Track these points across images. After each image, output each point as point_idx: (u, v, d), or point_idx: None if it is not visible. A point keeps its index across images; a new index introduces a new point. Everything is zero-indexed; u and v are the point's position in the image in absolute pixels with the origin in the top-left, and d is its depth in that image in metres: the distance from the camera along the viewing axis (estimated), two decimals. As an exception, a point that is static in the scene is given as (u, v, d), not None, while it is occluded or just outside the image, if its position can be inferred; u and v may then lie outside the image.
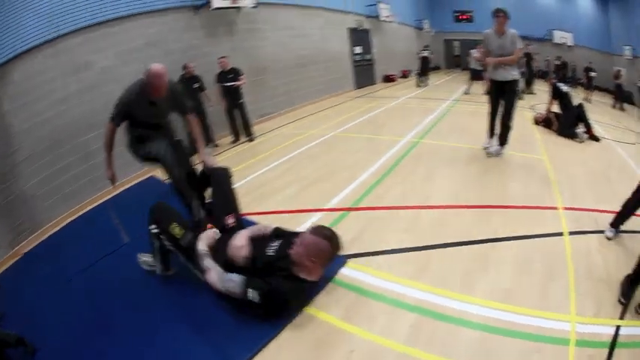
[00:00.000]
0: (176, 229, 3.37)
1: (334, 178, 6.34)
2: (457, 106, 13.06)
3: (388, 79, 19.57)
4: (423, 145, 8.18)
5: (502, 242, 4.44)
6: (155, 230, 3.43)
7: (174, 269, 3.76)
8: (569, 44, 25.21)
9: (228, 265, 3.25)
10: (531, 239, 4.51)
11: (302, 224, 4.72)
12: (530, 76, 16.29)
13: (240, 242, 3.34)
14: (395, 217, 4.95)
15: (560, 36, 25.00)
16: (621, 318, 3.35)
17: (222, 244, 3.40)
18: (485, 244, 4.32)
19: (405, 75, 21.66)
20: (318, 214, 5.03)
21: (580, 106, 9.52)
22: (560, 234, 4.64)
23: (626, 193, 6.04)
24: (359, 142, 8.43)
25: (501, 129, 7.16)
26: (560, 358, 2.93)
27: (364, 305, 3.38)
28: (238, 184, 5.24)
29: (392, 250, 4.20)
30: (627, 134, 11.19)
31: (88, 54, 6.98)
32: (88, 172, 6.67)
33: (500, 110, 7.06)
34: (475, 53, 15.96)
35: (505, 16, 6.64)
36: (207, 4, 9.11)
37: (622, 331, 3.19)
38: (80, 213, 6.43)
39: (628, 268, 3.68)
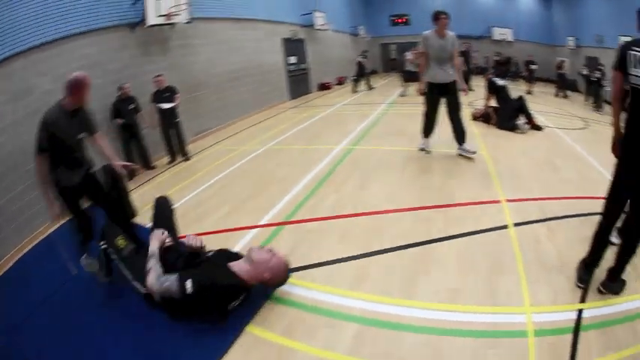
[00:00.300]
0: (120, 241, 3.80)
1: (267, 193, 6.31)
2: (393, 109, 13.42)
3: (324, 87, 19.85)
4: (357, 151, 8.27)
5: (443, 242, 4.45)
6: (104, 246, 3.81)
7: (112, 277, 3.99)
8: (508, 40, 26.62)
9: (174, 261, 3.59)
10: (474, 235, 4.55)
11: (238, 243, 4.73)
12: (468, 73, 16.95)
13: (194, 240, 3.86)
14: (329, 228, 4.96)
15: (499, 32, 26.67)
16: (582, 301, 3.40)
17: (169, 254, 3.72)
18: (425, 246, 4.36)
19: (340, 82, 22.03)
20: (253, 231, 5.04)
21: (520, 98, 9.92)
22: (505, 227, 4.70)
23: (574, 177, 6.45)
24: (292, 154, 8.45)
25: (456, 129, 7.33)
26: (518, 350, 2.92)
27: (305, 320, 3.37)
28: (176, 206, 5.20)
29: (328, 261, 4.19)
30: (572, 120, 11.78)
31: (31, 78, 6.82)
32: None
33: (444, 111, 7.26)
34: (409, 55, 16.53)
35: (448, 18, 6.93)
36: (143, 21, 9.11)
37: (585, 314, 3.20)
38: (35, 243, 6.22)
39: (581, 253, 3.74)
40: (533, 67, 19.53)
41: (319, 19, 18.94)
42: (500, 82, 10.21)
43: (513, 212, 5.06)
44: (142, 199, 6.28)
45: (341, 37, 23.31)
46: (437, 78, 6.99)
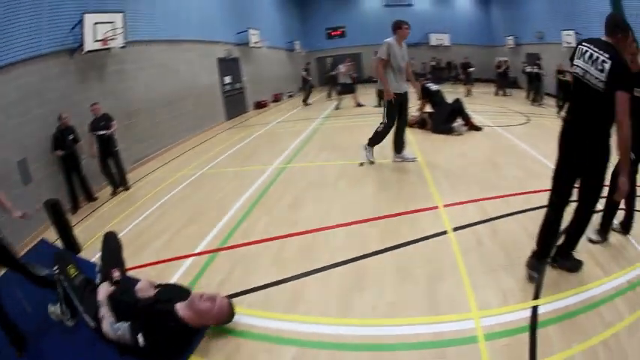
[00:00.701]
0: (71, 270, 3.88)
1: (203, 219, 6.17)
2: (327, 123, 13.51)
3: (260, 105, 19.74)
4: (290, 169, 8.20)
5: (379, 255, 4.39)
6: (56, 271, 3.85)
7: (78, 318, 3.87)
8: (445, 44, 27.59)
9: (124, 309, 3.51)
10: (412, 245, 4.52)
11: (177, 273, 4.67)
12: None
13: (144, 285, 3.88)
14: (263, 251, 4.89)
15: (436, 38, 27.66)
16: (536, 298, 3.41)
17: (119, 294, 3.74)
18: (361, 261, 4.31)
19: (277, 99, 22.01)
20: (190, 260, 4.95)
21: (457, 101, 10.17)
22: (444, 232, 4.70)
23: (516, 173, 6.61)
24: (227, 177, 8.40)
25: (402, 138, 7.45)
26: (470, 357, 2.87)
27: (244, 347, 3.33)
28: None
29: (263, 285, 4.12)
30: (514, 117, 12.15)
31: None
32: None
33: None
34: (342, 68, 16.68)
35: (409, 28, 7.06)
36: (81, 47, 8.84)
37: (541, 310, 3.23)
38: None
39: (529, 249, 3.77)
40: (470, 69, 20.16)
41: (254, 36, 18.85)
42: (433, 87, 10.47)
43: (452, 217, 5.06)
44: (86, 232, 6.15)
45: (276, 54, 23.35)
46: (401, 88, 7.08)
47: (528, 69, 17.35)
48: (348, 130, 10.20)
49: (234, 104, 17.52)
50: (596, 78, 3.07)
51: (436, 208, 5.39)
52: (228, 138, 12.84)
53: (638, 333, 3.05)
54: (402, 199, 5.87)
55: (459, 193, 5.76)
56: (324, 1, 29.20)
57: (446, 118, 9.56)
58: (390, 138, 7.54)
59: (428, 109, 10.16)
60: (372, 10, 28.59)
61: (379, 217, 5.30)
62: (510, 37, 24.41)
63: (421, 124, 10.14)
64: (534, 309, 3.27)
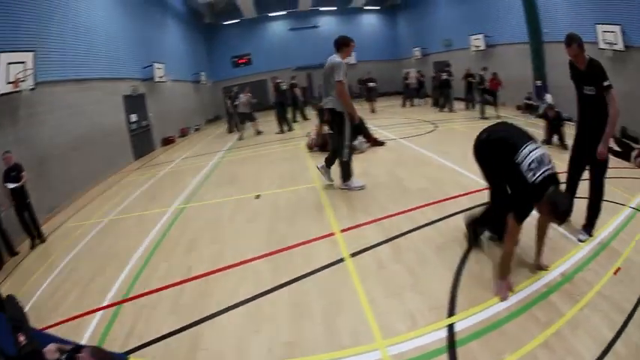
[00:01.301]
0: None
1: (109, 270, 5.77)
2: (228, 156, 13.12)
3: (167, 141, 19.00)
4: (189, 210, 7.86)
5: (274, 292, 4.19)
6: None
7: None
8: (352, 62, 27.58)
9: None
10: (307, 278, 4.35)
11: (87, 329, 4.36)
12: (297, 104, 18.13)
13: (50, 348, 3.40)
14: (162, 299, 4.66)
15: None
16: (451, 315, 3.32)
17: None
18: (255, 301, 4.14)
19: (184, 133, 21.36)
20: (99, 314, 4.66)
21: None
22: (341, 260, 4.54)
23: (421, 184, 6.62)
24: (132, 223, 7.98)
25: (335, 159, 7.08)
26: None
27: None
28: (36, 297, 5.16)
29: (163, 335, 3.91)
30: (421, 126, 12.44)
31: None
32: None
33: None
34: (242, 98, 16.42)
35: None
36: None
37: (458, 327, 3.16)
38: None
39: (437, 264, 3.84)
40: (371, 84, 20.45)
41: (159, 70, 18.26)
42: None
43: (350, 242, 4.92)
44: (11, 290, 5.42)
45: (182, 87, 22.78)
46: (340, 107, 6.61)
47: (445, 76, 17.81)
48: (248, 161, 10.04)
49: (142, 143, 16.79)
50: None
51: (332, 234, 5.23)
52: (135, 179, 12.32)
53: (584, 323, 3.12)
54: (298, 229, 5.68)
55: (358, 215, 5.65)
56: (230, 29, 28.97)
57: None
58: (284, 170, 7.42)
59: (326, 130, 10.05)
60: (278, 35, 28.84)
61: (273, 252, 5.09)
62: (417, 49, 25.57)
63: (321, 146, 10.02)
64: (450, 327, 3.18)
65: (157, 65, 18.00)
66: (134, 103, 16.28)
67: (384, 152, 8.97)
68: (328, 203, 6.35)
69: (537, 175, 3.44)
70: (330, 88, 6.58)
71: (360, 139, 9.46)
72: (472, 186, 6.42)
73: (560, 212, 3.41)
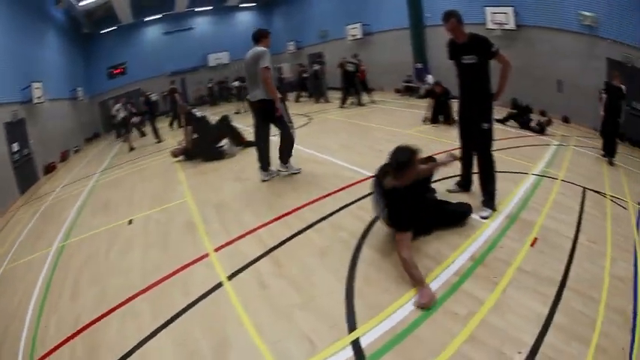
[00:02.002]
0: None
1: (9, 336, 4.80)
2: (103, 178, 11.59)
3: (49, 168, 17.30)
4: (69, 247, 6.72)
5: (156, 337, 3.53)
6: None
7: None
8: (224, 62, 27.11)
9: None
10: (188, 312, 3.70)
11: None
12: (176, 110, 16.88)
13: None
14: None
15: (214, 58, 27.15)
16: (352, 330, 2.94)
17: None
18: (139, 351, 3.46)
19: (64, 157, 19.67)
20: None
21: (224, 119, 9.65)
22: (219, 285, 3.92)
23: (297, 184, 6.24)
24: (21, 271, 6.66)
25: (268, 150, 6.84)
26: None
27: None
28: None
29: None
30: (295, 120, 11.67)
31: None
32: None
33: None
34: (118, 106, 15.43)
35: None
36: None
37: (364, 342, 2.83)
38: None
39: (321, 269, 3.50)
40: (244, 83, 19.86)
41: (37, 90, 16.61)
42: (198, 113, 9.86)
43: (225, 261, 4.34)
44: None
45: (60, 106, 20.81)
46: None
47: (317, 68, 17.72)
48: (121, 181, 9.18)
49: (25, 175, 15.22)
50: None
51: (206, 255, 4.61)
52: (21, 218, 11.06)
53: (512, 305, 3.03)
54: (171, 255, 5.00)
55: (231, 229, 5.08)
56: (107, 38, 26.61)
57: (214, 141, 8.90)
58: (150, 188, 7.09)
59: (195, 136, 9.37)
60: (153, 40, 27.31)
61: (150, 286, 4.38)
62: (291, 42, 25.72)
63: (187, 154, 9.33)
64: (355, 344, 2.83)
65: (35, 85, 16.40)
66: (15, 130, 14.77)
67: (255, 153, 8.45)
68: (200, 219, 5.72)
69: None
70: (255, 79, 6.37)
71: (227, 143, 8.90)
72: (350, 177, 6.18)
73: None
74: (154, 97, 16.06)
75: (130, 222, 6.64)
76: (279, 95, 6.41)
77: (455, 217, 4.32)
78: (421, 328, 2.89)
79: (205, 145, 8.89)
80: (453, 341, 2.72)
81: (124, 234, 6.22)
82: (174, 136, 14.13)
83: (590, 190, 5.82)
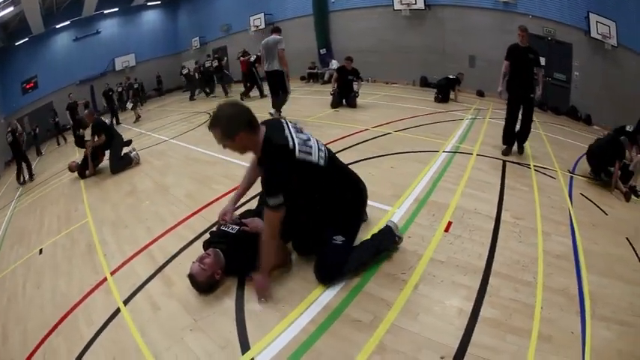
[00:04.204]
0: None
1: None
2: (19, 206, 9.87)
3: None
4: None
5: None
6: None
7: None
8: (131, 65, 26.29)
9: None
10: (95, 343, 3.28)
11: None
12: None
13: None
14: None
15: (122, 61, 26.23)
16: (245, 350, 2.65)
17: None
18: None
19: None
20: None
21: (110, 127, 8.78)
22: (117, 311, 3.48)
23: (189, 190, 5.82)
24: None
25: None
26: None
27: None
28: None
29: None
30: (196, 118, 11.68)
31: None
32: None
33: None
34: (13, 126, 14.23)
35: None
36: None
37: None
38: None
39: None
40: (135, 84, 20.14)
41: None
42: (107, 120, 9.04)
43: (121, 284, 3.90)
44: None
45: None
46: None
47: (207, 64, 17.56)
48: (33, 206, 7.95)
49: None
50: None
51: (104, 280, 4.13)
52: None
53: (426, 304, 2.80)
54: (75, 283, 4.46)
55: (126, 248, 4.61)
56: (20, 50, 24.54)
57: (122, 148, 8.19)
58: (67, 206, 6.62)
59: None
60: (63, 48, 25.30)
61: (60, 320, 3.84)
62: (195, 39, 25.56)
63: (81, 171, 8.34)
64: None
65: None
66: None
67: (154, 159, 8.00)
68: (97, 240, 5.20)
69: None
70: (274, 56, 8.73)
71: (131, 150, 8.20)
72: (242, 176, 5.79)
73: None
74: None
75: (41, 252, 6.08)
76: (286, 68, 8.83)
77: None
78: (321, 340, 2.60)
79: (114, 156, 8.06)
80: (360, 352, 2.45)
81: (35, 266, 5.71)
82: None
83: (511, 162, 5.71)
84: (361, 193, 3.10)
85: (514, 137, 6.35)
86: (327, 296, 2.94)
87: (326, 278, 2.97)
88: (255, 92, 13.91)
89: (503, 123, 6.29)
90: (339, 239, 2.90)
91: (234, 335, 2.80)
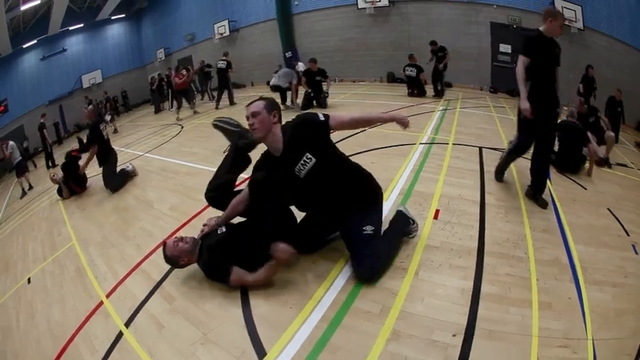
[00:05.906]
0: None
1: None
2: (1, 234, 10.53)
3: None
4: None
5: None
6: None
7: None
8: (98, 82, 25.89)
9: None
10: None
11: None
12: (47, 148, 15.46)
13: None
14: None
15: (89, 78, 26.05)
16: (262, 356, 2.64)
17: None
18: None
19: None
20: None
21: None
22: (120, 335, 3.43)
23: (172, 203, 5.77)
24: None
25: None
26: None
27: None
28: None
29: None
30: (168, 130, 11.59)
31: None
32: None
33: None
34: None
35: None
36: None
37: None
38: None
39: (219, 296, 3.23)
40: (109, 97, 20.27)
41: None
42: (104, 131, 8.84)
43: (118, 306, 3.84)
44: None
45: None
46: None
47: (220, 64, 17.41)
48: (15, 233, 7.74)
49: None
50: None
51: (101, 304, 4.04)
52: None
53: (430, 289, 2.88)
54: (71, 310, 4.32)
55: (117, 268, 4.57)
56: None
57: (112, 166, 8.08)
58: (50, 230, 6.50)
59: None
60: (31, 68, 24.60)
61: (61, 353, 3.71)
62: (160, 50, 25.27)
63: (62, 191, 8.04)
64: None
65: None
66: None
67: (143, 176, 7.79)
68: (87, 262, 5.09)
69: None
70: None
71: (130, 165, 8.11)
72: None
73: None
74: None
75: (29, 281, 5.93)
76: None
77: None
78: (335, 335, 2.63)
79: (107, 171, 7.79)
80: (375, 342, 2.49)
81: (26, 296, 5.55)
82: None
83: (488, 148, 5.83)
84: (375, 182, 3.23)
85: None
86: (332, 292, 3.00)
87: (370, 278, 3.03)
88: (225, 101, 13.75)
89: (476, 111, 6.24)
90: (369, 229, 2.99)
91: (247, 343, 2.79)
